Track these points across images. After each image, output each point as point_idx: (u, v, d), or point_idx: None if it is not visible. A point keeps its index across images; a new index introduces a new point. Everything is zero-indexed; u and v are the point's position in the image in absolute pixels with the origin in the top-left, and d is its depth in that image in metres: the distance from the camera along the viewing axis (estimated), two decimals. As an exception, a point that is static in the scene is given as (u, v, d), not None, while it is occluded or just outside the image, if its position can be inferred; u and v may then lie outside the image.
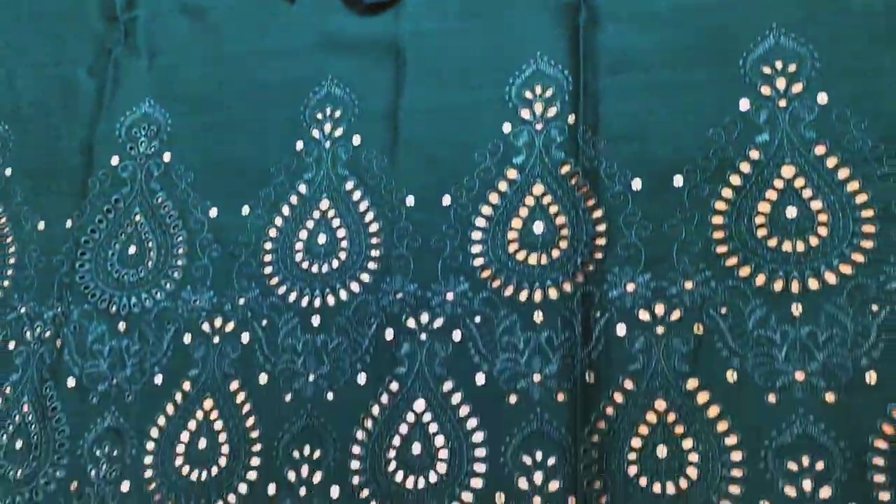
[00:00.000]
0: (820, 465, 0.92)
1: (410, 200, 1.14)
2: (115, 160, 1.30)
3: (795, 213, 0.99)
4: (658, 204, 1.04)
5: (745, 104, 1.04)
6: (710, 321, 0.99)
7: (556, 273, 1.06)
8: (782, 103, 1.02)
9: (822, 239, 0.97)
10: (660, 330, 1.01)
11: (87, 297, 1.26)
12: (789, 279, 0.97)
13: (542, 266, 1.07)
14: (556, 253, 1.07)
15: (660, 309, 1.01)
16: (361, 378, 1.11)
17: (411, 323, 1.10)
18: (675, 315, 1.00)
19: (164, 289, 1.23)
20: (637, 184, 1.05)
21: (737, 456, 0.95)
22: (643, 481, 0.97)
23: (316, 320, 1.14)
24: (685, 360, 0.99)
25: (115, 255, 1.27)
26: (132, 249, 1.26)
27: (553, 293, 1.05)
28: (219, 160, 1.25)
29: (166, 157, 1.28)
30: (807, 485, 0.92)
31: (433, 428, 1.06)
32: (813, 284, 0.96)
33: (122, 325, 1.23)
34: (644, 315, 1.02)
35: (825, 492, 0.91)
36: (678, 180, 1.04)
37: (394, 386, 1.09)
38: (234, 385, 1.16)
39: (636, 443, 0.99)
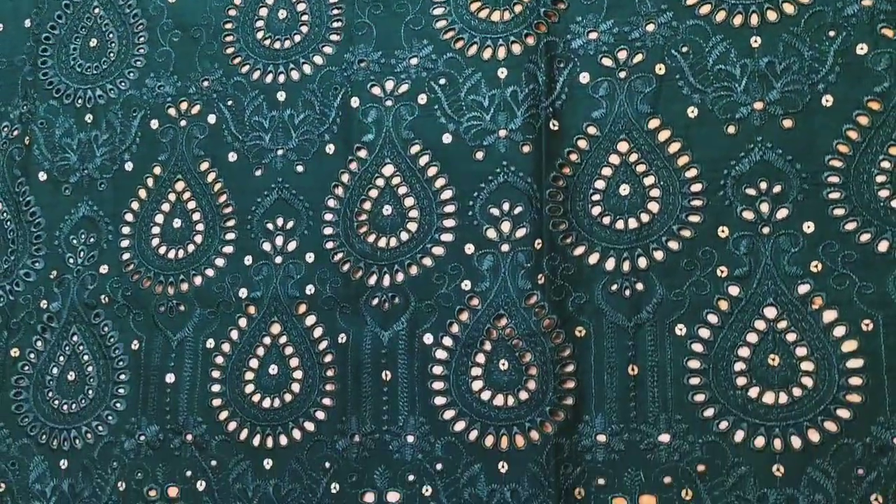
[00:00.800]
0: (777, 189, 0.94)
1: (370, -33, 1.13)
2: (68, -46, 1.27)
3: (757, -53, 0.98)
4: (619, -51, 1.03)
5: None
6: (671, 61, 1.00)
7: (519, 27, 1.05)
8: None
9: (782, -29, 0.97)
10: (622, 74, 1.01)
11: (52, 93, 1.25)
12: (749, 13, 0.97)
13: (504, 22, 1.06)
14: (518, 7, 1.06)
15: (622, 54, 1.02)
16: (330, 148, 1.11)
17: (377, 90, 1.10)
18: (638, 58, 1.01)
19: (128, 78, 1.22)
20: (598, -69, 1.04)
21: (696, 187, 0.97)
22: (606, 220, 1.00)
23: (281, 96, 1.14)
24: (647, 101, 1.00)
25: (77, 50, 1.25)
26: (94, 42, 1.25)
27: (517, 48, 1.05)
28: (174, -55, 1.22)
29: (120, -53, 1.25)
30: (764, 208, 0.94)
31: (402, 190, 1.08)
32: (771, 16, 0.97)
33: (88, 117, 1.22)
34: (607, 61, 1.02)
35: (782, 213, 0.94)
36: (639, -77, 1.03)
37: (362, 153, 1.10)
38: (204, 165, 1.16)
39: (600, 184, 1.01)
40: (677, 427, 0.93)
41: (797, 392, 0.90)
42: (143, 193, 1.19)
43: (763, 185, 0.95)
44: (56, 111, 1.24)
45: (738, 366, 0.93)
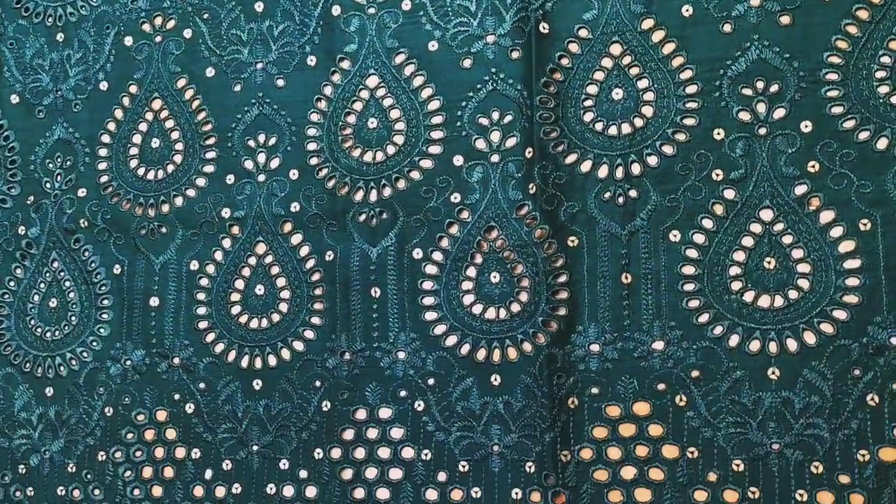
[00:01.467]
0: (774, 88, 0.91)
1: None
2: None
3: None
4: None
5: None
6: (665, -42, 0.96)
7: (506, -72, 1.01)
8: None
9: None
10: (614, -27, 0.97)
11: (20, 12, 1.20)
12: None
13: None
14: None
15: (614, -50, 0.98)
16: (311, 60, 1.07)
17: (359, -3, 1.06)
18: (631, -46, 0.97)
19: (100, -7, 1.17)
20: None
21: (692, 89, 0.94)
22: (599, 126, 0.97)
23: (259, 6, 1.10)
24: (640, 1, 0.96)
25: (43, -35, 1.20)
26: (61, -44, 1.19)
27: (504, -50, 1.01)
28: None
29: None
30: (761, 108, 0.92)
31: (388, 101, 1.05)
32: None
33: (60, 36, 1.18)
34: (597, -40, 0.98)
35: (779, 112, 0.91)
36: None
37: (345, 64, 1.06)
38: (182, 82, 1.12)
39: (592, 89, 0.98)
40: (671, 334, 0.92)
41: (793, 294, 0.89)
42: (119, 113, 1.15)
43: (760, 85, 0.92)
44: (26, 30, 1.19)
45: (734, 270, 0.91)
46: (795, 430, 0.87)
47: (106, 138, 1.15)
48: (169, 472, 1.06)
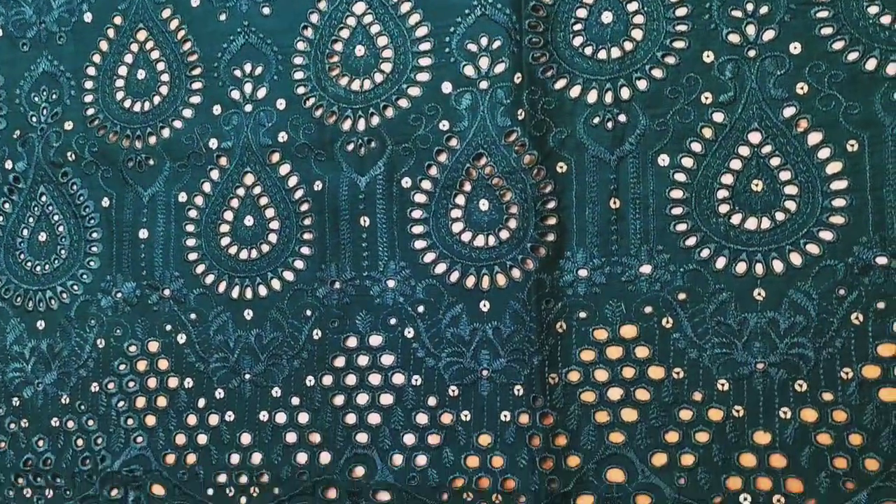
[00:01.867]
0: (764, 10, 0.90)
1: None
2: None
3: None
4: None
5: None
6: None
7: None
8: None
9: None
10: None
11: (-1, -56, 1.18)
12: None
13: None
14: None
15: None
16: (298, -12, 1.06)
17: (345, -77, 1.04)
18: None
19: (81, -79, 1.15)
20: None
21: (681, 11, 0.93)
22: (588, 50, 0.96)
23: (245, -67, 1.08)
24: (631, -75, 0.95)
25: None
26: None
27: None
28: None
29: None
30: (750, 30, 0.91)
31: (375, 28, 1.04)
32: None
33: (41, -30, 1.16)
34: None
35: (768, 34, 0.90)
36: None
37: (332, -9, 1.05)
38: (166, 12, 1.11)
39: (581, 13, 0.97)
40: (658, 258, 0.92)
41: (780, 216, 0.89)
42: (104, 45, 1.14)
43: (749, 7, 0.91)
44: (6, -31, 1.18)
45: (721, 193, 0.91)
46: (780, 349, 0.88)
47: (91, 70, 1.14)
48: (162, 402, 1.08)
